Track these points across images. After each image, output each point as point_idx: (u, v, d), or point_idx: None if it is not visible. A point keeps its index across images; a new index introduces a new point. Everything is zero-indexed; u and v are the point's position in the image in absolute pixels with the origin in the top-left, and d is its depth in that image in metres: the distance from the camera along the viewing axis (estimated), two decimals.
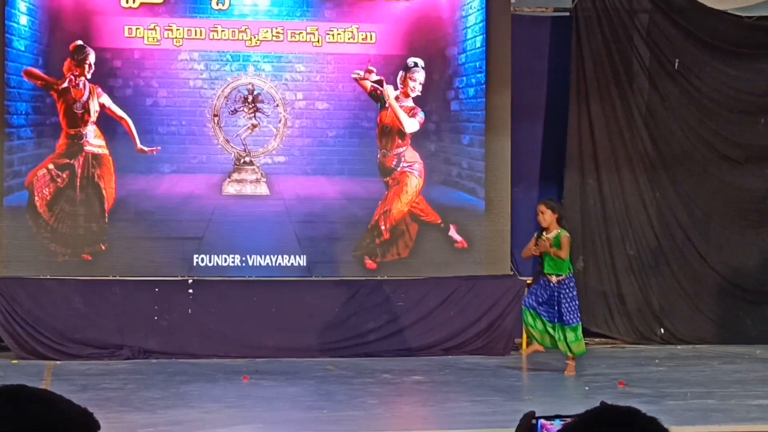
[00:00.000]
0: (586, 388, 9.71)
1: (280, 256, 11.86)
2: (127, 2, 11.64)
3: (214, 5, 11.80)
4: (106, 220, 11.68)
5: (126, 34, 11.68)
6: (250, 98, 11.93)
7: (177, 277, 11.68)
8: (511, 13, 12.34)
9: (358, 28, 11.98)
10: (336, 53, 11.98)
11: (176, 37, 11.77)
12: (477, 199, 12.13)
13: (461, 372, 10.74)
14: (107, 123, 11.71)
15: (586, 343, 10.80)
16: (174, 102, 11.83)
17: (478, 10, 12.13)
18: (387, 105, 12.03)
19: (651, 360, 11.59)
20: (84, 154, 11.67)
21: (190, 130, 11.88)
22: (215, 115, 11.87)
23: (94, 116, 11.66)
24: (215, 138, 11.89)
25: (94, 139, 11.69)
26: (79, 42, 11.58)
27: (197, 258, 11.75)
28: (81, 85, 11.61)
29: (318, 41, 11.92)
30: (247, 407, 8.74)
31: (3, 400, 1.86)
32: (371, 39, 12.01)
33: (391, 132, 12.09)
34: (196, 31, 11.79)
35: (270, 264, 11.84)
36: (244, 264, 11.81)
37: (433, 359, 11.48)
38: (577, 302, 10.37)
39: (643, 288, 12.89)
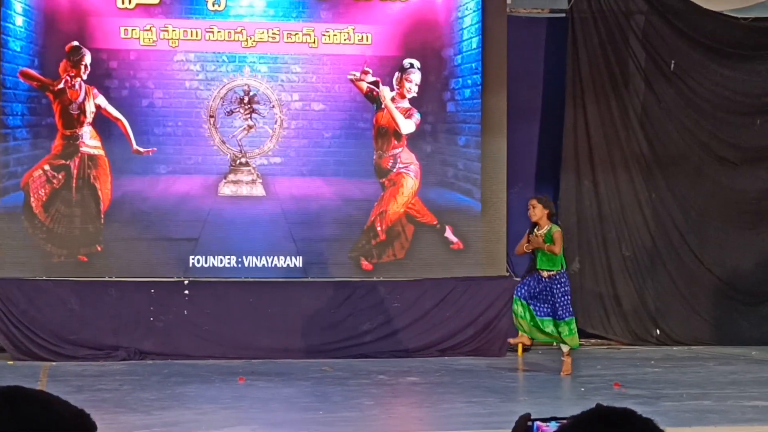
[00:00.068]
0: (582, 389, 9.71)
1: (275, 257, 11.86)
2: (122, 3, 11.63)
3: (210, 6, 11.79)
4: (102, 221, 11.67)
5: (122, 35, 11.67)
6: (246, 99, 11.93)
7: (173, 278, 11.67)
8: (507, 14, 12.34)
9: (354, 29, 11.98)
10: (332, 54, 11.98)
11: (172, 38, 11.76)
12: (473, 200, 12.14)
13: (457, 373, 10.75)
14: (103, 124, 11.70)
15: (580, 341, 10.81)
16: (170, 103, 11.83)
17: (474, 11, 12.13)
18: (383, 106, 12.03)
19: (647, 361, 11.60)
20: (80, 155, 11.66)
21: (186, 131, 11.87)
22: (211, 116, 11.87)
23: (89, 117, 11.65)
24: (211, 139, 11.89)
25: (89, 140, 11.68)
26: (75, 43, 11.58)
27: (193, 259, 11.74)
28: (77, 86, 11.60)
29: (314, 42, 11.92)
30: (242, 408, 8.74)
31: (1, 402, 1.86)
32: (367, 40, 12.01)
33: (387, 133, 12.09)
34: (192, 32, 11.79)
35: (266, 265, 11.84)
36: (239, 265, 11.80)
37: (429, 360, 11.48)
38: (569, 297, 10.39)
39: (639, 289, 12.90)
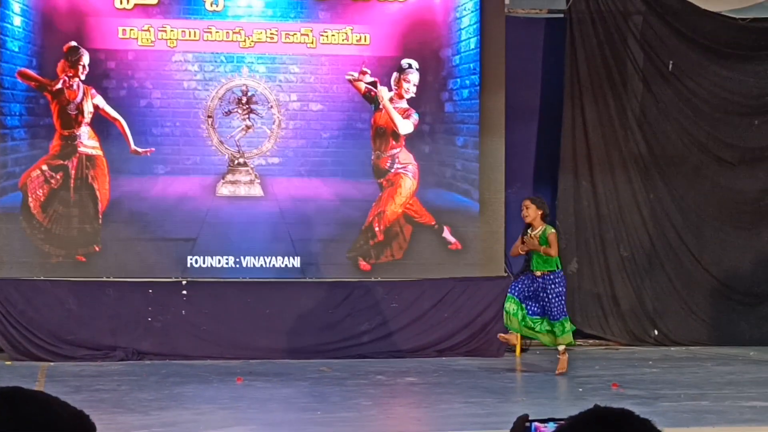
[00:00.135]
0: (580, 389, 9.71)
1: (274, 258, 11.85)
2: (120, 3, 11.63)
3: (208, 6, 11.79)
4: (100, 221, 11.67)
5: (120, 36, 11.67)
6: (244, 99, 11.92)
7: (171, 278, 11.67)
8: (505, 15, 12.34)
9: (352, 30, 11.98)
10: (330, 55, 11.98)
11: (170, 39, 11.76)
12: (471, 201, 12.14)
13: (455, 373, 10.75)
14: (101, 124, 11.70)
15: (576, 340, 10.81)
16: (168, 103, 11.82)
17: (472, 12, 12.13)
18: (381, 106, 12.03)
19: (644, 361, 11.60)
20: (78, 155, 11.66)
21: (184, 132, 11.87)
22: (209, 117, 11.86)
23: (87, 117, 11.65)
24: (209, 139, 11.89)
25: (87, 141, 11.68)
26: (73, 43, 11.57)
27: (191, 259, 11.74)
28: (75, 86, 11.59)
29: (312, 43, 11.92)
30: (240, 409, 8.74)
31: (0, 402, 1.86)
32: (365, 40, 12.01)
33: (385, 133, 12.09)
34: (190, 32, 11.78)
35: (264, 265, 11.84)
36: (237, 265, 11.80)
37: (427, 361, 11.48)
38: (564, 298, 10.38)
39: (637, 289, 12.91)
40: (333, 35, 11.95)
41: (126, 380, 10.10)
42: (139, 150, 11.70)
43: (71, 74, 11.58)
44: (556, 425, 2.45)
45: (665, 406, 8.72)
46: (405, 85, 12.03)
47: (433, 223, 12.13)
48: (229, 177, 11.89)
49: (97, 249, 11.65)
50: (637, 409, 2.06)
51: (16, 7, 11.51)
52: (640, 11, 12.85)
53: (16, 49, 11.55)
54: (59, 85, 11.56)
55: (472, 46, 12.13)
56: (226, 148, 11.89)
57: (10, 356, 11.28)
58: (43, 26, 11.58)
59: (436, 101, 12.15)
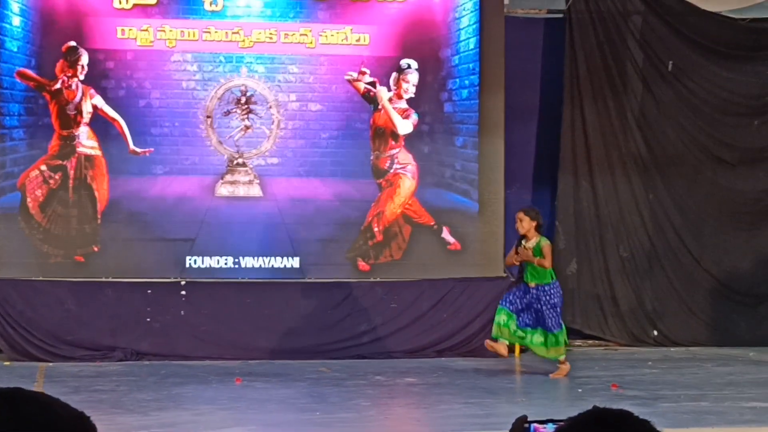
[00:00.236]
0: (580, 390, 9.71)
1: (272, 258, 11.85)
2: (119, 3, 11.62)
3: (207, 6, 11.78)
4: (99, 221, 11.66)
5: (119, 35, 11.66)
6: (243, 99, 11.92)
7: (170, 278, 11.66)
8: (504, 15, 12.33)
9: (351, 30, 11.97)
10: (329, 55, 11.97)
11: (169, 39, 11.75)
12: (470, 201, 12.13)
13: (454, 374, 10.74)
14: (100, 124, 11.69)
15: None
16: (167, 103, 11.82)
17: (471, 12, 12.12)
18: (380, 106, 12.03)
19: (644, 362, 11.59)
20: (77, 155, 11.65)
21: (182, 132, 11.86)
22: (208, 117, 11.85)
23: (86, 117, 11.64)
24: (208, 139, 11.88)
25: (86, 141, 11.67)
26: (72, 43, 11.56)
27: (190, 259, 11.73)
28: (74, 87, 11.58)
29: (311, 43, 11.91)
30: (239, 409, 8.73)
31: (0, 403, 1.85)
32: (364, 40, 12.00)
33: (384, 133, 12.08)
34: (189, 32, 11.77)
35: (263, 266, 11.83)
36: (236, 266, 11.79)
37: (426, 361, 11.47)
38: (559, 309, 10.31)
39: (637, 290, 12.90)
40: (332, 35, 11.94)
41: (125, 381, 10.10)
42: (138, 150, 11.69)
43: (70, 74, 11.57)
44: (555, 426, 2.44)
45: (665, 406, 8.71)
46: (404, 85, 12.02)
47: (432, 224, 12.12)
48: (228, 177, 11.89)
49: (95, 249, 11.64)
50: (637, 409, 2.05)
51: (15, 7, 11.50)
52: (639, 11, 12.84)
53: (15, 49, 11.54)
54: (58, 85, 11.55)
55: (472, 46, 12.13)
56: (225, 149, 11.88)
57: (8, 357, 11.28)
58: (42, 26, 11.57)
59: (435, 101, 12.14)
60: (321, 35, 11.92)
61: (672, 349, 12.67)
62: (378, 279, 11.99)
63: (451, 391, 9.79)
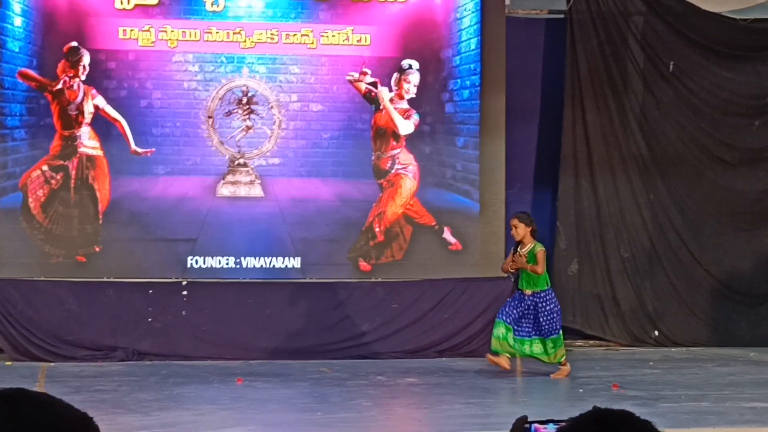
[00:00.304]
0: (581, 390, 9.71)
1: (274, 258, 11.85)
2: (121, 4, 11.63)
3: (208, 7, 11.79)
4: (100, 221, 11.66)
5: (120, 36, 11.67)
6: (245, 100, 11.92)
7: (171, 278, 11.67)
8: (505, 15, 12.34)
9: (352, 30, 11.98)
10: (330, 55, 11.98)
11: (171, 39, 11.76)
12: (471, 201, 12.13)
13: (455, 374, 10.74)
14: (101, 124, 11.69)
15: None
16: (168, 104, 11.82)
17: (472, 12, 12.13)
18: (381, 107, 12.03)
19: (645, 362, 11.60)
20: (78, 155, 11.65)
21: (184, 132, 11.87)
22: (209, 117, 11.86)
23: (88, 118, 11.65)
24: (209, 140, 11.88)
25: (88, 141, 11.68)
26: (74, 43, 11.57)
27: (191, 260, 11.74)
28: (75, 87, 11.59)
29: (312, 43, 11.92)
30: (241, 409, 8.74)
31: (2, 404, 1.85)
32: (366, 41, 12.00)
33: (385, 134, 12.09)
34: (190, 32, 11.78)
35: (264, 266, 11.84)
36: (238, 266, 11.80)
37: (428, 361, 11.48)
38: (556, 315, 10.27)
39: (637, 290, 12.90)
40: (333, 36, 11.95)
41: (126, 381, 10.10)
42: (140, 150, 11.70)
43: (72, 74, 11.58)
44: (555, 426, 2.45)
45: (666, 407, 8.72)
46: (405, 85, 12.03)
47: (433, 224, 12.12)
48: (230, 177, 11.89)
49: (97, 249, 11.64)
50: (638, 410, 2.06)
51: (17, 7, 11.51)
52: (640, 12, 12.84)
53: (17, 50, 11.54)
54: (60, 86, 11.56)
55: (473, 46, 12.13)
56: (226, 149, 11.89)
57: (10, 357, 11.29)
58: (44, 26, 11.58)
59: (436, 102, 12.14)
60: (322, 36, 11.92)
61: (673, 349, 12.67)
62: (379, 279, 12.00)
63: (452, 391, 9.79)
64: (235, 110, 11.92)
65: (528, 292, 10.25)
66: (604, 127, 12.82)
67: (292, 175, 11.98)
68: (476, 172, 12.12)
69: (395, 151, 12.10)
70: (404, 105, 12.06)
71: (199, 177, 11.85)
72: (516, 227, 10.33)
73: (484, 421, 8.14)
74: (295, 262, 11.86)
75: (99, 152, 11.69)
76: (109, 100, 11.67)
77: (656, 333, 12.92)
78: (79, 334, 11.40)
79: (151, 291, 11.58)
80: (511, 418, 2.47)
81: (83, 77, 11.60)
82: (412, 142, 12.11)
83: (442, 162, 12.19)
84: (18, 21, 11.54)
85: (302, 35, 11.91)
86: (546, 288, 10.27)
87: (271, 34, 11.88)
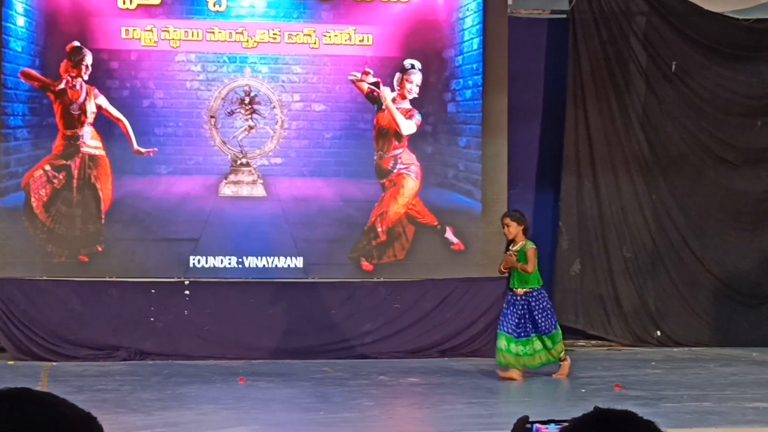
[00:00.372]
0: (583, 390, 9.70)
1: (276, 258, 11.86)
2: (124, 3, 11.63)
3: (211, 7, 11.79)
4: (103, 221, 11.67)
5: (123, 36, 11.67)
6: (247, 100, 11.93)
7: (173, 278, 11.68)
8: (508, 15, 12.34)
9: (355, 30, 11.98)
10: (333, 55, 11.98)
11: (173, 39, 11.76)
12: (474, 201, 12.13)
13: (457, 374, 10.74)
14: (104, 124, 11.70)
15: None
16: (171, 103, 11.83)
17: (475, 12, 12.13)
18: (384, 107, 12.03)
19: (647, 362, 11.60)
20: (81, 155, 11.66)
21: (186, 132, 11.87)
22: (212, 117, 11.87)
23: (90, 117, 11.65)
24: (212, 139, 11.89)
25: (90, 141, 11.68)
26: (76, 43, 11.58)
27: (193, 259, 11.74)
28: (78, 87, 11.60)
29: (315, 43, 11.92)
30: (243, 409, 8.74)
31: (5, 404, 1.85)
32: (368, 41, 12.01)
33: (387, 134, 12.09)
34: (193, 32, 11.79)
35: (266, 266, 11.84)
36: (240, 265, 11.80)
37: (430, 361, 11.48)
38: (550, 311, 10.22)
39: (640, 290, 12.90)
40: (336, 35, 11.95)
41: (128, 380, 10.11)
42: (142, 150, 11.70)
43: (74, 74, 11.59)
44: (557, 427, 2.45)
45: (668, 407, 8.71)
46: (408, 85, 12.03)
47: (435, 224, 12.12)
48: (232, 177, 11.90)
49: (99, 249, 11.65)
50: (640, 410, 2.06)
51: (20, 7, 11.52)
52: (642, 12, 12.84)
53: (19, 49, 11.55)
54: (62, 85, 11.57)
55: (475, 46, 12.13)
56: (228, 149, 11.90)
57: (12, 356, 11.30)
58: (47, 26, 11.59)
59: (438, 102, 12.15)
60: (324, 35, 11.93)
61: (675, 349, 12.67)
62: (381, 279, 12.00)
63: (454, 391, 9.79)
64: (238, 110, 11.92)
65: (520, 291, 10.20)
66: (607, 127, 12.82)
67: (295, 175, 11.98)
68: (478, 172, 12.12)
69: (397, 151, 12.11)
70: (406, 105, 12.07)
71: (202, 177, 11.86)
72: (508, 226, 10.29)
73: (487, 421, 8.14)
74: (298, 262, 11.87)
75: (101, 152, 11.70)
76: (112, 100, 11.68)
77: (658, 333, 12.92)
78: (82, 333, 11.41)
79: (153, 291, 11.59)
80: (513, 418, 2.47)
81: (86, 77, 11.61)
82: (415, 142, 12.11)
83: (445, 162, 12.19)
84: (21, 21, 11.54)
85: (305, 35, 11.91)
86: (537, 286, 10.21)
87: (274, 33, 11.89)
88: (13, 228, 11.51)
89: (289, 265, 11.86)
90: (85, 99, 11.62)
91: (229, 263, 11.79)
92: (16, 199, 11.55)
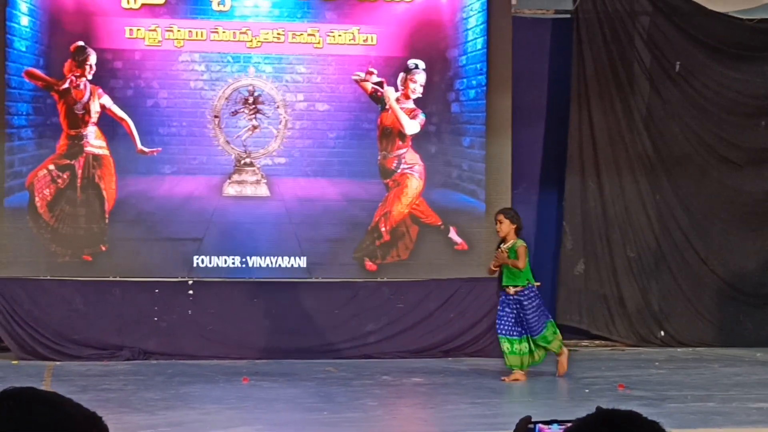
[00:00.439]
0: (586, 390, 9.70)
1: (280, 258, 11.86)
2: (128, 3, 11.64)
3: (215, 6, 11.80)
4: (107, 220, 11.68)
5: (127, 35, 11.68)
6: (251, 99, 11.93)
7: (177, 278, 11.68)
8: (512, 15, 12.33)
9: (358, 30, 11.98)
10: (337, 55, 11.98)
11: (177, 38, 11.77)
12: (477, 201, 12.13)
13: (461, 374, 10.74)
14: (108, 124, 11.71)
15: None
16: (175, 103, 11.83)
17: (479, 12, 12.12)
18: (387, 107, 12.03)
19: (651, 362, 11.59)
20: (84, 154, 11.67)
21: (190, 131, 11.88)
22: (216, 117, 11.87)
23: (94, 117, 11.66)
24: (216, 139, 11.89)
25: (94, 140, 11.69)
26: (80, 43, 11.58)
27: (197, 259, 11.75)
28: (82, 86, 11.61)
29: (319, 43, 11.92)
30: (246, 409, 8.74)
31: (10, 403, 1.85)
32: (372, 41, 12.01)
33: (391, 134, 12.09)
34: (197, 32, 11.79)
35: (270, 265, 11.84)
36: (244, 265, 11.80)
37: (433, 361, 11.48)
38: (540, 310, 10.15)
39: (643, 290, 12.90)
40: (340, 35, 11.95)
41: (132, 380, 10.11)
42: (146, 150, 11.71)
43: (78, 74, 11.59)
44: (560, 427, 2.44)
45: (672, 407, 8.71)
46: (411, 85, 12.03)
47: (439, 224, 12.12)
48: (236, 177, 11.90)
49: (103, 248, 11.66)
50: (644, 410, 2.05)
51: (24, 6, 11.52)
52: (647, 12, 12.84)
53: (23, 49, 11.56)
54: (66, 85, 11.57)
55: (479, 46, 12.13)
56: (232, 148, 11.90)
57: (16, 355, 11.30)
58: (51, 26, 11.60)
59: (442, 101, 12.14)
60: (328, 35, 11.93)
61: (678, 349, 12.66)
62: (385, 279, 12.00)
63: (457, 391, 9.79)
64: (242, 110, 11.93)
65: (511, 290, 10.17)
66: (611, 127, 12.82)
67: (298, 175, 11.98)
68: (482, 172, 12.12)
69: (401, 151, 12.10)
70: (410, 105, 12.06)
71: (206, 176, 11.86)
72: (501, 222, 10.26)
73: (491, 421, 8.14)
74: (301, 262, 11.87)
75: (105, 151, 11.71)
76: (116, 100, 11.69)
77: (662, 333, 12.92)
78: (85, 333, 11.42)
79: (157, 290, 11.59)
80: (517, 419, 2.47)
81: (90, 76, 11.62)
82: (418, 141, 12.11)
83: (448, 162, 12.19)
84: (25, 20, 11.55)
85: (308, 35, 11.91)
86: (527, 284, 10.17)
87: (278, 33, 11.89)
88: (17, 227, 11.52)
89: (292, 265, 11.86)
90: (89, 99, 11.62)
91: (233, 263, 11.79)
92: (20, 199, 11.56)
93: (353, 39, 11.97)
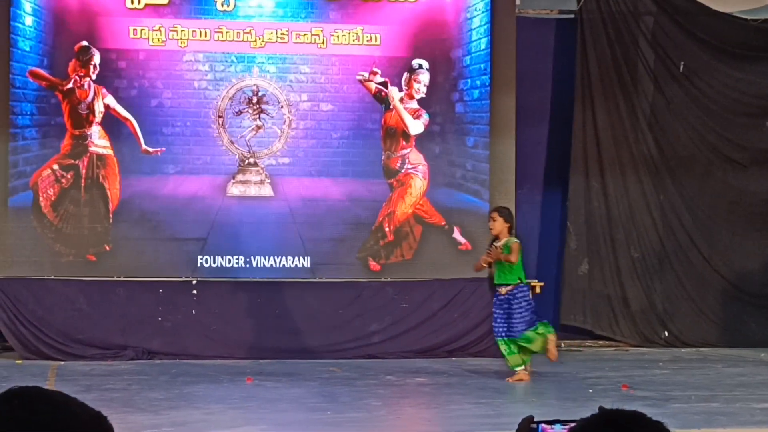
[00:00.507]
0: (590, 390, 9.70)
1: (284, 258, 11.86)
2: (132, 3, 11.65)
3: (219, 6, 11.81)
4: (111, 220, 11.69)
5: (131, 35, 11.69)
6: (255, 99, 11.93)
7: (181, 278, 11.69)
8: (515, 15, 12.33)
9: (362, 30, 11.98)
10: (341, 55, 11.98)
11: (181, 38, 11.77)
12: (481, 201, 12.13)
13: (465, 374, 10.74)
14: (112, 124, 11.72)
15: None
16: (179, 103, 11.84)
17: (482, 12, 12.12)
18: (391, 107, 12.04)
19: (655, 363, 11.59)
20: (89, 154, 11.68)
21: (194, 131, 11.89)
22: (220, 116, 11.88)
23: (98, 117, 11.67)
24: (219, 139, 11.90)
25: (98, 140, 11.70)
26: (84, 43, 11.59)
27: (201, 259, 11.75)
28: (86, 86, 11.62)
29: (323, 43, 11.92)
30: (250, 408, 8.74)
31: (15, 402, 1.86)
32: (376, 41, 12.01)
33: (395, 134, 12.09)
34: (200, 32, 11.80)
35: (274, 265, 11.85)
36: (248, 265, 11.81)
37: (437, 361, 11.48)
38: (527, 312, 10.06)
39: (647, 291, 12.89)
40: (343, 35, 11.95)
41: (136, 379, 10.12)
42: (150, 149, 11.72)
43: (82, 74, 11.60)
44: (563, 427, 2.44)
45: (676, 407, 8.70)
46: (415, 85, 12.03)
47: (443, 224, 12.12)
48: (240, 177, 11.91)
49: (107, 248, 11.67)
50: (648, 410, 2.05)
51: (28, 6, 11.54)
52: (651, 12, 12.83)
53: (28, 49, 11.57)
54: (70, 85, 11.59)
55: (483, 46, 12.13)
56: (236, 148, 11.90)
57: (20, 355, 11.31)
58: (55, 26, 11.61)
59: (446, 102, 12.14)
60: (332, 35, 11.93)
61: (682, 349, 12.66)
62: (389, 279, 12.00)
63: (461, 391, 9.79)
64: (246, 110, 11.93)
65: (502, 290, 10.15)
66: (615, 127, 12.81)
67: (302, 175, 11.99)
68: (486, 172, 12.12)
69: (405, 151, 12.11)
70: (414, 105, 12.07)
71: (210, 176, 11.87)
72: (494, 220, 10.24)
73: (494, 421, 8.14)
74: (305, 262, 11.87)
75: (109, 151, 11.72)
76: (120, 100, 11.70)
77: (666, 333, 12.91)
78: (90, 332, 11.43)
79: (161, 290, 11.60)
80: (520, 419, 2.47)
81: (94, 76, 11.63)
82: (422, 141, 12.11)
83: (452, 162, 12.19)
84: (29, 20, 11.56)
85: (312, 35, 11.92)
86: (518, 283, 10.13)
87: (282, 33, 11.90)
88: (21, 227, 11.53)
89: (296, 265, 11.87)
90: (93, 98, 11.63)
91: (237, 263, 11.80)
92: (25, 199, 11.57)
93: (357, 39, 11.98)
